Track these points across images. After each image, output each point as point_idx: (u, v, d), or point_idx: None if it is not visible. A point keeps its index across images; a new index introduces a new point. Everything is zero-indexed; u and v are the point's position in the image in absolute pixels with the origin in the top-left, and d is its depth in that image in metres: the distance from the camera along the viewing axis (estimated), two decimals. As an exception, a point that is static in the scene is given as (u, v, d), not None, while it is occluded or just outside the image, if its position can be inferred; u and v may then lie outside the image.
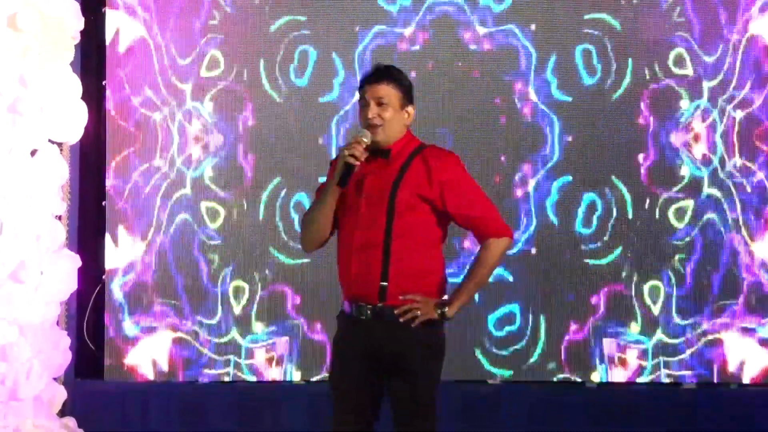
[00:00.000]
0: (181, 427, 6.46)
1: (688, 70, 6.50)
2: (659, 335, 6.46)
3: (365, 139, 4.27)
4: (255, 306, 6.57)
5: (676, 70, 6.51)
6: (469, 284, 4.31)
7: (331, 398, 4.37)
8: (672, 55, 6.51)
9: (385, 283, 4.21)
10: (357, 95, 4.50)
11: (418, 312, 4.20)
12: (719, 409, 6.34)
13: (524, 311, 6.50)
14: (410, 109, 4.37)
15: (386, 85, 4.32)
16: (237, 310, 6.58)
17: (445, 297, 4.32)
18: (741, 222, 6.46)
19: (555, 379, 6.46)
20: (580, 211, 6.51)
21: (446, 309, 4.24)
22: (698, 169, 6.50)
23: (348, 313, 4.32)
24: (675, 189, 6.50)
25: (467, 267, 4.42)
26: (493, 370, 6.49)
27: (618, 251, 6.50)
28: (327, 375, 4.53)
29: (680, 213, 6.50)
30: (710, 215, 6.48)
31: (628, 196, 6.51)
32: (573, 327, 6.47)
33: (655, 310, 6.47)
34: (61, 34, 5.87)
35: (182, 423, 6.46)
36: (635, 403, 6.36)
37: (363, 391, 4.31)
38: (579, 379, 6.45)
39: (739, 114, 6.48)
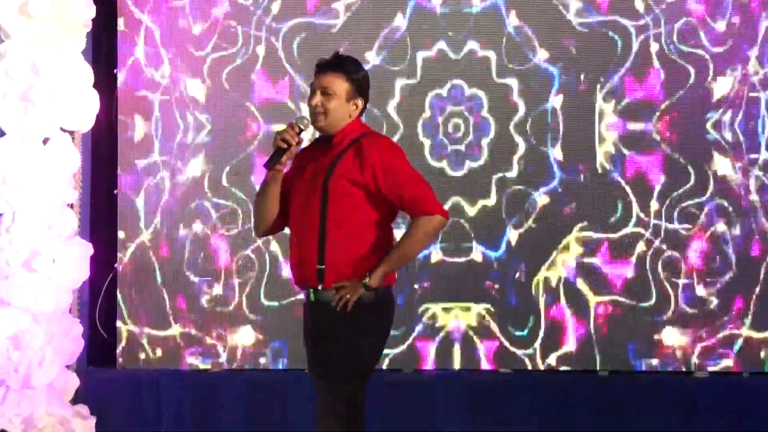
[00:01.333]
0: (194, 414, 6.46)
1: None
2: None
3: (301, 125, 4.42)
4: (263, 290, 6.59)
5: None
6: (392, 255, 4.37)
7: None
8: None
9: (322, 267, 4.34)
10: None
11: (348, 296, 4.29)
12: None
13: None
14: (359, 101, 4.46)
15: (334, 76, 4.43)
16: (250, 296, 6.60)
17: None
18: None
19: None
20: None
21: (368, 279, 4.31)
22: None
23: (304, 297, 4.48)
24: None
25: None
26: None
27: None
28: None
29: None
30: None
31: None
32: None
33: None
34: (72, 21, 5.88)
35: (194, 410, 6.46)
36: None
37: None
38: None
39: None
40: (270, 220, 4.51)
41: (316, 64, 4.48)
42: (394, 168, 4.38)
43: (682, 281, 6.41)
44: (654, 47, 6.42)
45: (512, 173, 6.50)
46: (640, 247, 6.42)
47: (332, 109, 4.40)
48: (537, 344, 6.45)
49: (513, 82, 6.49)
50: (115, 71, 6.64)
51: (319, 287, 4.34)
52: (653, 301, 6.41)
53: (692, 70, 6.39)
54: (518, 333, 6.46)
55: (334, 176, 4.35)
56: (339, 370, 4.29)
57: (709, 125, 6.39)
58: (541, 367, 6.42)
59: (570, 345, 6.45)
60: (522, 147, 6.49)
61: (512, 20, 6.50)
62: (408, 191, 4.36)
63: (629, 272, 6.43)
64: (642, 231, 6.43)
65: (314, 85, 4.44)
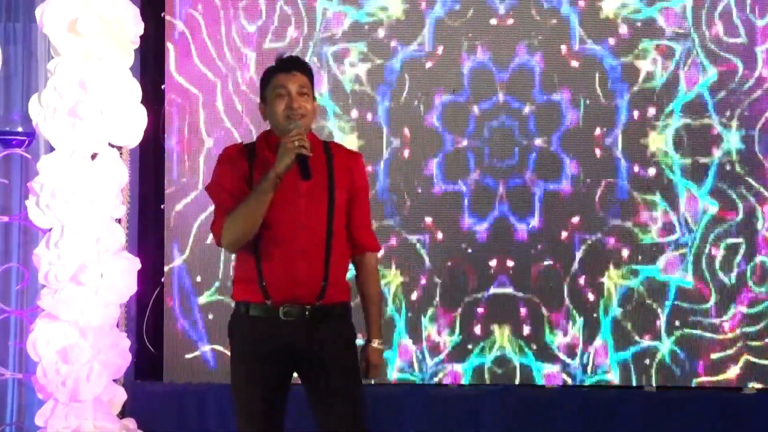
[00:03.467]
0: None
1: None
2: None
3: (303, 129, 4.14)
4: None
5: None
6: (379, 306, 4.39)
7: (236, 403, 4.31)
8: None
9: (326, 283, 4.19)
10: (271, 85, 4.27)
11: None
12: None
13: None
14: (316, 103, 4.31)
15: (304, 75, 4.23)
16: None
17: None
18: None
19: None
20: None
21: (380, 343, 4.34)
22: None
23: (264, 315, 4.21)
24: None
25: (360, 286, 4.37)
26: None
27: None
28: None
29: None
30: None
31: None
32: None
33: None
34: (121, 38, 5.92)
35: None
36: None
37: (281, 392, 4.27)
38: None
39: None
40: (255, 231, 4.17)
41: (279, 63, 4.25)
42: (367, 185, 4.35)
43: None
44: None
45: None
46: None
47: (311, 110, 4.23)
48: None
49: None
50: (162, 87, 6.69)
51: (317, 303, 4.19)
52: None
53: None
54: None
55: (337, 189, 4.23)
56: (359, 376, 4.26)
57: None
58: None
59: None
60: None
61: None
62: (367, 215, 4.33)
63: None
64: None
65: (283, 87, 4.19)
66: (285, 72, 4.22)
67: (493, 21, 6.55)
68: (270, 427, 4.23)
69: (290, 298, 4.17)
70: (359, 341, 4.33)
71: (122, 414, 6.15)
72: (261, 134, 4.36)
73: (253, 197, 4.13)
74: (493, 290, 6.50)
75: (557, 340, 6.45)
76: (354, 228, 4.31)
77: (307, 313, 4.17)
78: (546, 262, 6.48)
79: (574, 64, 6.50)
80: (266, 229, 4.17)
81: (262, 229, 4.16)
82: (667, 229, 6.45)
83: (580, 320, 6.45)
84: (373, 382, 4.43)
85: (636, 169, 6.46)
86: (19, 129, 6.06)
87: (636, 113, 6.48)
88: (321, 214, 4.19)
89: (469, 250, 6.51)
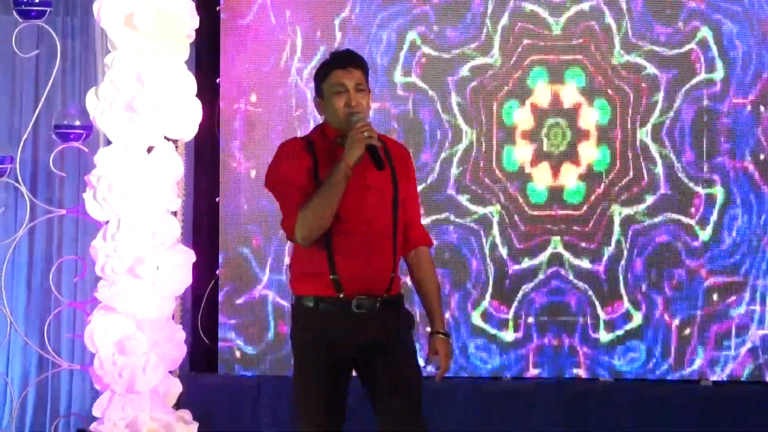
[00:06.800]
0: (293, 421, 6.48)
1: None
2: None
3: (368, 120, 4.14)
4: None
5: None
6: (440, 306, 4.36)
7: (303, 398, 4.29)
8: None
9: (393, 274, 4.20)
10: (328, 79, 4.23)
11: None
12: None
13: None
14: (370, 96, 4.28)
15: (361, 71, 4.22)
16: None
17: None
18: None
19: None
20: None
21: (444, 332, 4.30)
22: None
23: (335, 308, 4.20)
24: None
25: (420, 281, 4.34)
26: None
27: None
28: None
29: None
30: None
31: None
32: None
33: None
34: (176, 32, 5.96)
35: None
36: None
37: (344, 389, 4.25)
38: None
39: None
40: (329, 223, 4.15)
41: (335, 58, 4.22)
42: (415, 187, 4.37)
43: None
44: None
45: None
46: None
47: (367, 106, 4.21)
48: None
49: None
50: (217, 80, 6.72)
51: (385, 295, 4.20)
52: None
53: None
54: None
55: (400, 180, 4.23)
56: (420, 372, 4.26)
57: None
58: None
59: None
60: None
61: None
62: (419, 208, 4.38)
63: None
64: None
65: (341, 84, 4.17)
66: (342, 68, 4.20)
67: None
68: (334, 417, 4.23)
69: (363, 290, 4.17)
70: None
71: (177, 405, 6.19)
72: (316, 127, 4.34)
73: (325, 190, 4.11)
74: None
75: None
76: (409, 220, 4.30)
77: (378, 304, 4.18)
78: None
79: None
80: (336, 222, 4.16)
81: (332, 221, 4.16)
82: None
83: None
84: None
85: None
86: (77, 123, 6.10)
87: None
88: (387, 205, 4.20)
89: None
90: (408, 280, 4.35)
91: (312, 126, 6.55)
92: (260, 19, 6.70)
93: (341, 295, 4.18)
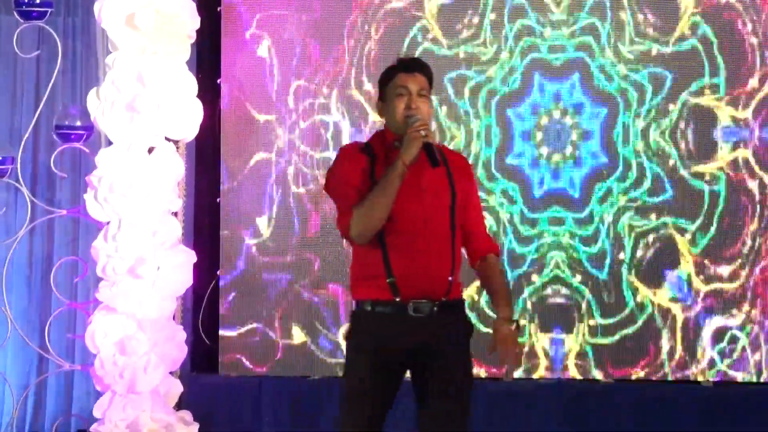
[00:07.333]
0: (294, 421, 6.50)
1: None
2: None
3: (425, 120, 4.14)
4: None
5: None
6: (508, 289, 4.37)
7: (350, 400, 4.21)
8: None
9: (451, 278, 4.15)
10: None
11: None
12: None
13: None
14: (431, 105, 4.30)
15: (424, 76, 4.23)
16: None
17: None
18: None
19: None
20: None
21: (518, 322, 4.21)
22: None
23: (392, 311, 4.16)
24: None
25: (488, 283, 4.30)
26: None
27: None
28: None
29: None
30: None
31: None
32: None
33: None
34: (177, 32, 5.97)
35: (295, 418, 6.50)
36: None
37: (392, 392, 4.21)
38: None
39: None
40: (384, 221, 4.14)
41: (401, 62, 4.25)
42: (478, 196, 4.35)
43: None
44: None
45: None
46: None
47: (426, 112, 4.20)
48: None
49: None
50: (218, 81, 6.72)
51: (444, 299, 4.15)
52: None
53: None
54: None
55: (457, 183, 4.21)
56: (471, 379, 4.22)
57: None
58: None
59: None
60: None
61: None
62: (482, 217, 4.35)
63: None
64: None
65: (404, 87, 4.19)
66: (407, 72, 4.21)
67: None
68: (371, 422, 4.17)
69: (420, 294, 4.13)
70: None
71: (178, 406, 6.20)
72: (376, 133, 4.34)
73: (381, 187, 4.10)
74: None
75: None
76: (473, 232, 4.27)
77: (435, 308, 4.14)
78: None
79: None
80: (392, 223, 4.13)
81: (387, 222, 4.13)
82: None
83: None
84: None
85: None
86: (78, 123, 6.11)
87: None
88: (444, 207, 4.17)
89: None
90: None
91: (307, 124, 6.60)
92: (264, 19, 6.69)
93: (398, 299, 4.14)
